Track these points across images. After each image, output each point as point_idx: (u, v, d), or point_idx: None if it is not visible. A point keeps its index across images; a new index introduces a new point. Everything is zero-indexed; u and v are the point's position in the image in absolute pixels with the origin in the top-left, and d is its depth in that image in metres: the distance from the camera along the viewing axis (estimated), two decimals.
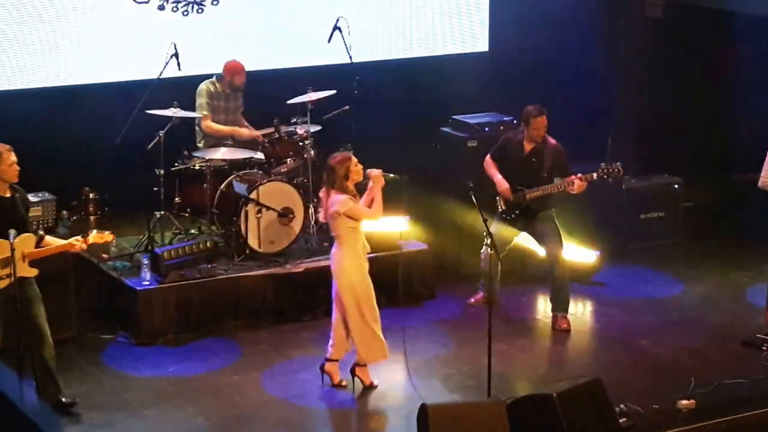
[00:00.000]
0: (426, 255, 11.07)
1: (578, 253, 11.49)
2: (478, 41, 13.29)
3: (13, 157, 8.63)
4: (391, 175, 9.26)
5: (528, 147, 10.45)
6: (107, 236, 8.94)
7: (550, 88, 12.83)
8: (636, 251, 12.12)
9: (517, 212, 10.43)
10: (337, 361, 9.37)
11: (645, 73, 13.35)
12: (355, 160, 9.12)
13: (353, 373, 9.35)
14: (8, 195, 8.62)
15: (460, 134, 12.04)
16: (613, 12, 13.17)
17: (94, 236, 8.81)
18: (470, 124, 12.15)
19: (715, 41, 13.08)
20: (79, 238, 8.75)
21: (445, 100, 12.63)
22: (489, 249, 9.29)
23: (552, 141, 10.45)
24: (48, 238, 8.81)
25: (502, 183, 10.41)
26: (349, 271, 9.12)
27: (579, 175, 10.25)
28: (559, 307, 10.51)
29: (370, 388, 9.34)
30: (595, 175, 10.29)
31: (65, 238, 9.05)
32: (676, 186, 12.52)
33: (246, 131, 11.28)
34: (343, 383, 9.35)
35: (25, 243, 8.53)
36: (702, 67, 13.21)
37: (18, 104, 11.27)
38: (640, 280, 11.63)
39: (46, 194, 10.46)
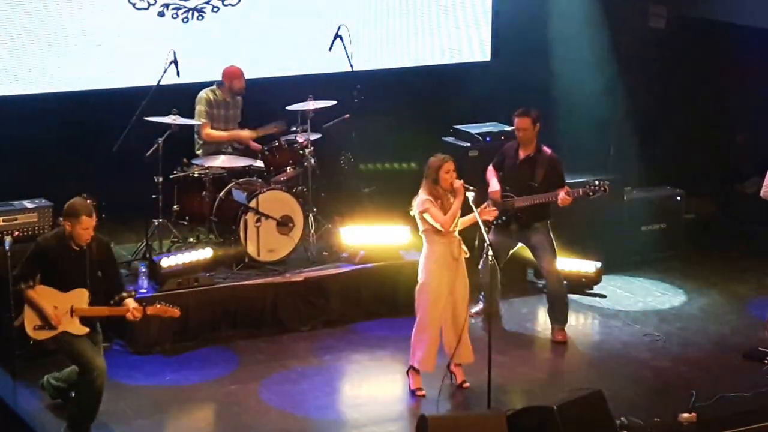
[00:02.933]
0: None
1: (579, 264, 11.45)
2: (481, 51, 13.25)
3: (91, 223, 8.31)
4: (471, 188, 9.22)
5: (522, 155, 10.41)
6: (173, 311, 8.71)
7: (552, 98, 12.79)
8: (637, 263, 12.07)
9: (504, 218, 10.32)
10: (458, 365, 9.35)
11: (647, 85, 13.31)
12: (448, 166, 9.12)
13: (408, 373, 9.39)
14: (78, 249, 8.38)
15: (461, 144, 11.98)
16: (617, 23, 13.12)
17: (157, 309, 8.61)
18: (472, 133, 12.09)
19: (719, 53, 13.03)
20: (138, 307, 8.47)
21: (447, 109, 12.58)
22: (489, 259, 9.21)
23: (547, 151, 10.39)
24: (129, 301, 8.49)
25: (493, 187, 10.35)
26: (426, 273, 9.17)
27: (566, 188, 10.18)
28: (556, 319, 10.47)
29: (415, 392, 9.30)
30: (581, 191, 10.23)
31: None
32: (678, 198, 12.47)
33: (246, 132, 11.21)
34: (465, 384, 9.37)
35: (78, 297, 8.38)
36: (705, 78, 13.16)
37: (15, 110, 11.21)
38: (642, 292, 11.57)
39: (43, 201, 10.37)
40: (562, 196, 10.13)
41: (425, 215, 9.11)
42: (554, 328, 10.44)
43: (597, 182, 10.27)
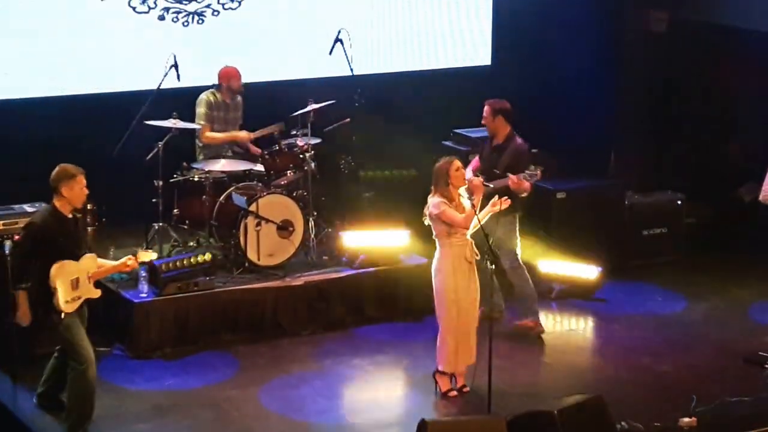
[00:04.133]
0: (427, 269, 10.92)
1: (580, 269, 11.44)
2: (481, 55, 13.24)
3: (85, 181, 8.54)
4: (491, 185, 9.29)
5: (493, 143, 10.50)
6: (152, 254, 9.05)
7: (552, 102, 12.79)
8: (638, 267, 12.06)
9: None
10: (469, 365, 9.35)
11: (649, 89, 13.29)
12: (456, 165, 9.12)
13: (434, 376, 9.39)
14: (71, 216, 8.53)
15: (461, 148, 11.96)
16: (617, 26, 13.11)
17: (141, 254, 8.85)
18: (472, 137, 12.07)
19: (720, 56, 13.01)
20: (131, 257, 8.75)
21: (447, 113, 12.57)
22: (489, 264, 9.18)
23: (518, 141, 10.41)
24: (99, 261, 8.75)
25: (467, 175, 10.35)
26: (440, 275, 9.15)
27: (509, 174, 10.11)
28: (522, 313, 10.46)
29: (444, 395, 9.32)
30: (521, 176, 10.05)
31: None
32: (679, 202, 12.46)
33: (244, 133, 11.19)
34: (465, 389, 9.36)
35: (89, 264, 8.55)
36: (706, 83, 13.14)
37: (15, 114, 11.21)
38: (643, 296, 11.57)
39: (43, 204, 10.34)
40: (511, 181, 10.02)
41: (442, 217, 9.08)
42: (526, 321, 10.49)
43: (532, 168, 10.14)
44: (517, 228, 10.45)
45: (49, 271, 8.35)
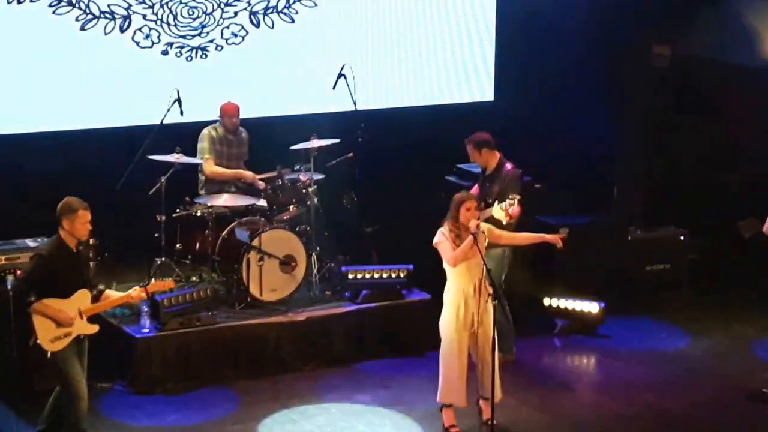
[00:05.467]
0: (429, 304, 10.94)
1: (583, 304, 11.41)
2: (484, 90, 13.27)
3: (88, 216, 8.52)
4: (482, 231, 9.16)
5: (486, 173, 10.56)
6: (168, 283, 8.98)
7: (556, 138, 12.79)
8: (641, 303, 12.03)
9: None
10: (485, 400, 9.24)
11: (651, 124, 13.30)
12: (469, 204, 9.09)
13: (441, 411, 9.33)
14: (75, 250, 8.53)
15: (464, 183, 11.94)
16: (620, 62, 13.13)
17: (153, 285, 8.80)
18: (474, 173, 12.04)
19: (721, 92, 13.03)
20: (137, 288, 8.70)
21: (450, 148, 12.53)
22: (492, 300, 9.14)
23: (508, 167, 10.44)
24: (108, 292, 8.74)
25: None
26: (445, 307, 9.15)
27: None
28: (500, 348, 10.39)
29: (448, 429, 9.26)
30: (504, 204, 10.05)
31: None
32: (682, 237, 12.44)
33: (250, 173, 11.20)
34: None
35: (81, 299, 8.49)
36: (708, 118, 13.15)
37: (18, 148, 11.22)
38: (646, 332, 11.54)
39: (45, 239, 10.34)
40: (494, 209, 10.02)
41: (437, 248, 9.11)
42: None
43: (512, 196, 10.13)
44: (508, 261, 10.41)
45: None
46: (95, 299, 8.62)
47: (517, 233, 9.76)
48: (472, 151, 10.53)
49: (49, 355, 8.34)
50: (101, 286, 8.82)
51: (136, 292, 8.69)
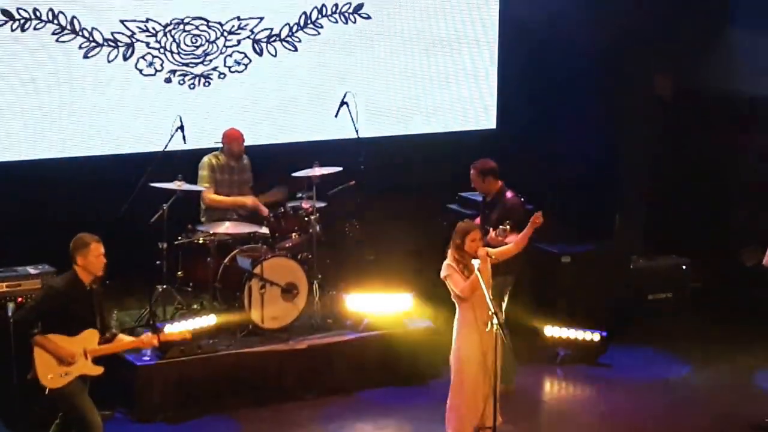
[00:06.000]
0: (431, 333, 10.93)
1: (585, 333, 11.39)
2: (487, 118, 13.28)
3: (101, 249, 8.46)
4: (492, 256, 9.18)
5: (488, 199, 10.59)
6: (184, 333, 8.86)
7: (558, 165, 12.79)
8: (643, 332, 12.00)
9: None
10: (488, 428, 9.15)
11: (654, 153, 13.30)
12: (474, 235, 9.06)
13: None
14: (89, 287, 8.47)
15: (466, 211, 11.95)
16: (623, 90, 13.14)
17: (167, 334, 8.74)
18: (477, 201, 12.05)
19: (724, 121, 13.05)
20: (149, 333, 8.65)
21: (453, 176, 12.56)
22: (495, 328, 9.12)
23: (508, 195, 10.45)
24: (121, 336, 8.66)
25: None
26: (456, 339, 9.12)
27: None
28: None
29: None
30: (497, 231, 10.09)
31: None
32: (684, 266, 12.43)
33: (250, 200, 11.19)
34: None
35: (88, 339, 8.40)
36: (710, 147, 13.16)
37: (20, 175, 11.22)
38: (648, 361, 11.51)
39: (46, 266, 10.34)
40: (489, 236, 10.03)
41: (447, 281, 9.08)
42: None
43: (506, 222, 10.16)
44: (509, 290, 10.40)
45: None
46: (108, 342, 8.52)
47: (507, 246, 9.69)
48: (476, 176, 10.56)
49: (46, 391, 8.28)
50: (114, 330, 8.74)
51: (147, 338, 8.63)
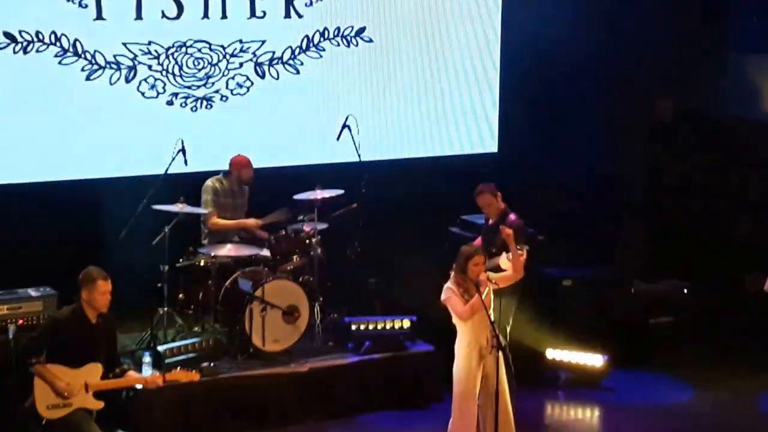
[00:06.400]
0: (433, 356, 10.90)
1: (587, 357, 11.37)
2: (488, 142, 13.30)
3: (108, 287, 8.46)
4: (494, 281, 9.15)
5: (491, 222, 10.59)
6: (191, 375, 8.84)
7: (559, 189, 12.79)
8: (645, 356, 11.96)
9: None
10: None
11: (655, 175, 13.31)
12: (478, 259, 9.04)
13: None
14: (94, 322, 8.47)
15: (468, 234, 11.95)
16: (622, 114, 13.17)
17: (174, 374, 8.73)
18: (478, 224, 12.06)
19: (725, 144, 13.06)
20: (156, 373, 8.67)
21: (454, 199, 12.56)
22: (497, 352, 9.11)
23: (512, 217, 10.45)
24: (131, 373, 8.66)
25: None
26: (456, 360, 9.08)
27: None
28: None
29: None
30: (511, 254, 10.10)
31: None
32: (686, 291, 12.41)
33: (252, 221, 11.18)
34: None
35: (91, 372, 8.39)
36: (711, 171, 13.17)
37: (23, 197, 11.22)
38: (650, 385, 11.47)
39: (48, 289, 10.34)
40: (500, 258, 10.03)
41: (447, 304, 9.07)
42: None
43: (521, 246, 10.17)
44: (513, 312, 10.38)
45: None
46: (117, 377, 8.51)
47: (506, 272, 9.66)
48: (491, 197, 10.53)
49: (43, 422, 8.24)
50: (125, 366, 8.74)
51: (152, 377, 8.64)
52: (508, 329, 10.39)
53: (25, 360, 8.31)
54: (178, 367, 8.87)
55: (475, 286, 8.98)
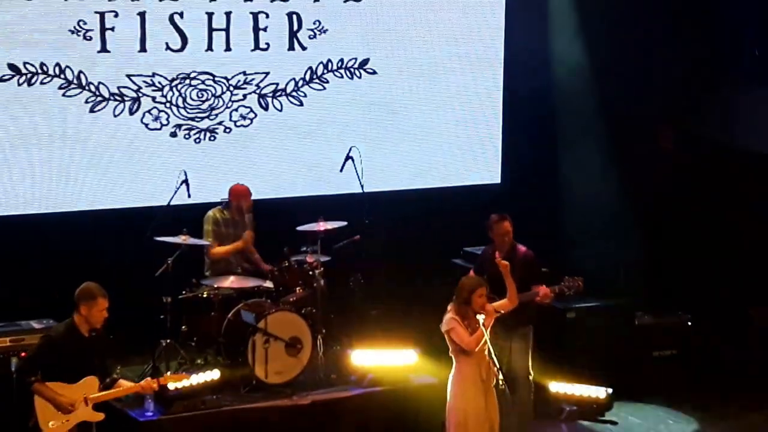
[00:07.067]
0: (436, 389, 10.85)
1: (590, 390, 11.33)
2: (491, 173, 13.30)
3: (106, 304, 8.56)
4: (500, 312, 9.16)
5: (498, 256, 10.43)
6: (182, 376, 8.95)
7: (562, 220, 12.79)
8: (649, 389, 11.92)
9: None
10: None
11: (656, 207, 13.30)
12: (482, 291, 9.05)
13: None
14: (87, 336, 8.52)
15: (471, 266, 11.91)
16: (625, 144, 13.17)
17: (166, 377, 8.81)
18: (481, 255, 12.04)
19: (728, 174, 13.06)
20: (148, 378, 8.69)
21: (457, 231, 12.57)
22: (501, 384, 9.08)
23: (521, 249, 10.41)
24: (121, 381, 8.71)
25: None
26: (453, 394, 9.04)
27: (543, 286, 10.10)
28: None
29: None
30: (556, 288, 10.12)
31: None
32: (689, 323, 12.37)
33: (242, 241, 11.10)
34: None
35: (89, 386, 8.45)
36: (713, 200, 13.15)
37: (25, 229, 11.23)
38: (653, 419, 11.43)
39: (50, 321, 10.33)
40: (542, 292, 10.01)
41: (452, 335, 9.03)
42: None
43: (573, 278, 10.15)
44: (531, 342, 10.37)
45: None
46: (108, 388, 8.55)
47: (503, 301, 9.63)
48: (510, 227, 10.43)
49: None
50: (115, 375, 8.80)
51: (146, 382, 8.67)
52: (530, 363, 10.34)
53: (24, 379, 8.37)
54: (168, 372, 8.84)
55: (476, 316, 8.97)
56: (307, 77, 12.35)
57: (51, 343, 8.48)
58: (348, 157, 11.59)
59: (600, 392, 11.35)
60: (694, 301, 12.67)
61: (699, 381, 12.22)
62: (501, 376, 9.09)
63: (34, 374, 8.37)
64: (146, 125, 11.75)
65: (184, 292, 10.87)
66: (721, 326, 12.68)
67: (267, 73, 12.17)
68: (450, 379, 9.18)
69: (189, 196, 10.93)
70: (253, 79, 12.11)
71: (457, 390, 9.08)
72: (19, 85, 11.21)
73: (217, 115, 12.02)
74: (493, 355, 9.02)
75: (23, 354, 9.85)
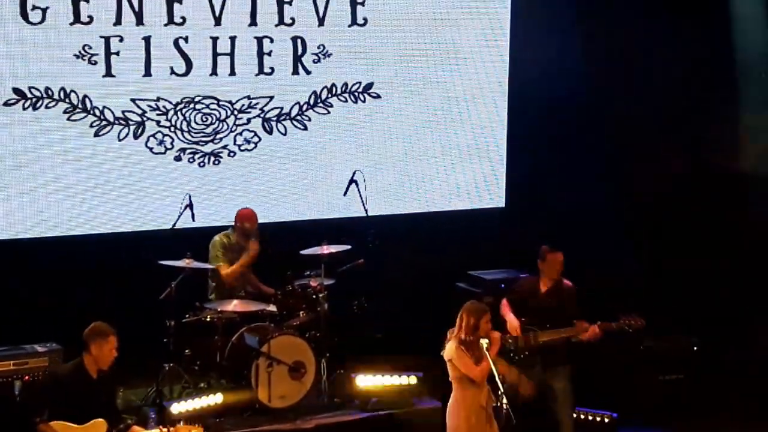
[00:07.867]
0: (439, 413, 10.81)
1: (594, 414, 11.27)
2: (495, 197, 13.28)
3: (116, 342, 8.55)
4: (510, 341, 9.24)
5: (544, 288, 10.36)
6: (196, 429, 8.84)
7: (568, 244, 12.73)
8: (655, 414, 11.86)
9: (526, 353, 10.19)
10: None
11: (664, 232, 13.28)
12: (488, 317, 9.02)
13: None
14: (95, 377, 8.49)
15: (475, 290, 11.93)
16: (630, 166, 13.16)
17: (179, 428, 8.73)
18: (486, 280, 12.05)
19: (735, 199, 13.03)
20: (162, 429, 8.63)
21: (461, 255, 12.56)
22: (504, 407, 9.04)
23: (567, 283, 10.37)
24: (136, 428, 8.68)
25: (512, 320, 10.26)
26: (450, 422, 8.98)
27: (598, 323, 10.06)
28: None
29: None
30: (614, 324, 10.10)
31: None
32: (696, 347, 12.32)
33: (245, 257, 11.09)
34: None
35: (95, 429, 8.39)
36: (722, 227, 13.13)
37: (28, 252, 11.23)
38: None
39: (54, 345, 10.33)
40: (592, 330, 9.95)
41: (457, 364, 8.98)
42: None
43: (631, 316, 10.09)
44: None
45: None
46: None
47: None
48: (562, 258, 10.39)
49: None
50: (129, 421, 8.78)
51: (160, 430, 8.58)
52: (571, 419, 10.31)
53: (29, 420, 8.29)
54: (181, 422, 8.80)
55: (480, 341, 8.92)
56: (312, 101, 12.37)
57: (56, 381, 8.45)
58: (352, 181, 11.61)
59: (605, 417, 11.18)
60: (701, 324, 12.62)
61: (706, 405, 12.15)
62: (505, 400, 9.06)
63: (39, 414, 8.33)
64: (150, 149, 11.77)
65: (187, 315, 10.87)
66: (729, 350, 12.62)
67: (271, 97, 12.20)
68: (449, 404, 9.11)
69: (193, 219, 10.94)
70: (257, 103, 12.14)
71: (459, 416, 9.00)
72: (24, 109, 11.24)
73: (221, 139, 12.04)
74: (497, 378, 8.96)
75: (27, 378, 9.85)
